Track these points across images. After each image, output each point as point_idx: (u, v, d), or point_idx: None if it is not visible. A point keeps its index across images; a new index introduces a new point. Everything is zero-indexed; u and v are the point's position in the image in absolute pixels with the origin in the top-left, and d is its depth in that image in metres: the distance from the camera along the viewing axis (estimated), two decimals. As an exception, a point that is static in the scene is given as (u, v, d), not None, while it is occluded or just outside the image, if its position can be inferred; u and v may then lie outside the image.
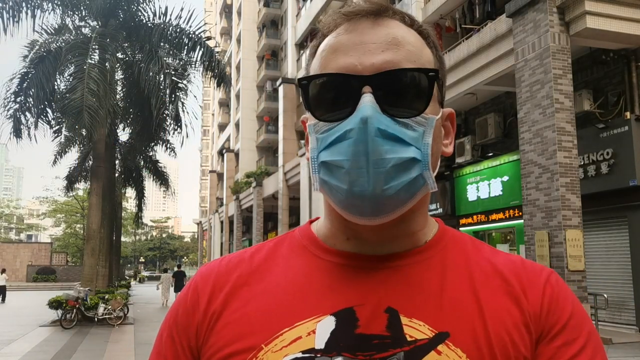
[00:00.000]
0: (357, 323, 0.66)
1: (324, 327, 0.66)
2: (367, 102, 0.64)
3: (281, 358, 0.65)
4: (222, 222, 47.59)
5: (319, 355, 0.65)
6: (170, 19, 17.73)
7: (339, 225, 0.73)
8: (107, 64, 16.40)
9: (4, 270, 27.61)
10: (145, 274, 68.32)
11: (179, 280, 23.36)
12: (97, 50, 16.57)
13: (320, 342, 0.65)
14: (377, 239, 0.71)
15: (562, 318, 0.70)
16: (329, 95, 0.67)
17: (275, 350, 0.66)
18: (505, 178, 14.41)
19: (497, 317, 0.68)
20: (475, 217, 15.83)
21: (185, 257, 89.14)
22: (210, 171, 61.45)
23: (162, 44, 17.80)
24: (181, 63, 18.90)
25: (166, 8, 17.67)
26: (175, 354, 0.74)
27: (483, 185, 15.31)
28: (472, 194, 15.83)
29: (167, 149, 23.94)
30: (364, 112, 0.63)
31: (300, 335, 0.66)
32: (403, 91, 0.66)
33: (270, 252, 0.78)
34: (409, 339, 0.65)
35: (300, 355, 0.65)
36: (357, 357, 0.64)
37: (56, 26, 17.59)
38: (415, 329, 0.66)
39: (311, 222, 0.81)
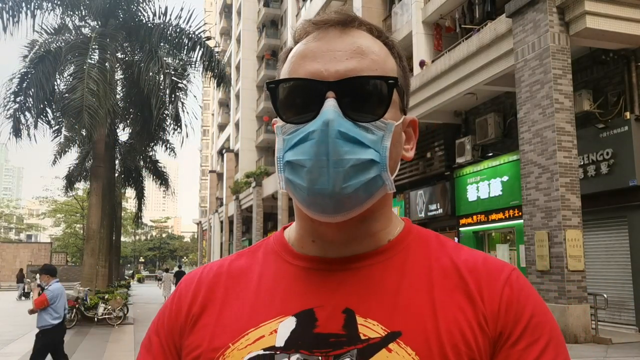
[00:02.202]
0: (316, 323, 0.71)
1: (285, 327, 0.71)
2: (330, 106, 0.68)
3: (245, 355, 0.71)
4: (222, 222, 47.59)
5: (278, 353, 0.70)
6: (170, 19, 17.73)
7: (306, 226, 0.77)
8: (107, 64, 16.40)
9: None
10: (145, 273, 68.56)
11: (179, 279, 24.61)
12: (97, 50, 16.56)
13: (280, 341, 0.70)
14: (340, 239, 0.75)
15: (523, 318, 0.71)
16: (296, 99, 0.71)
17: (241, 348, 0.71)
18: (505, 178, 14.40)
19: (450, 315, 0.70)
20: (475, 217, 15.82)
21: (185, 257, 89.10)
22: (210, 171, 61.45)
23: (162, 44, 17.79)
24: (181, 63, 18.89)
25: (166, 8, 17.68)
26: (163, 352, 0.79)
27: (483, 186, 15.31)
28: (472, 194, 15.82)
29: (167, 149, 23.94)
30: (326, 116, 0.67)
31: (263, 335, 0.71)
32: (364, 97, 0.70)
33: (248, 259, 0.83)
34: (362, 337, 0.69)
35: (261, 352, 0.70)
36: (314, 354, 0.69)
37: (56, 26, 17.58)
38: (369, 328, 0.69)
39: (284, 228, 0.86)
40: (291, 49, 0.77)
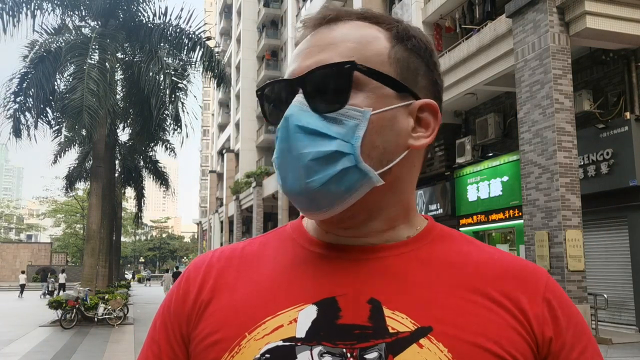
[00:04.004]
0: (339, 313, 0.67)
1: (306, 316, 0.67)
2: (294, 101, 0.68)
3: (263, 346, 0.66)
4: (222, 222, 47.57)
5: (299, 344, 0.65)
6: (170, 19, 17.73)
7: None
8: (107, 64, 16.40)
9: (63, 270, 32.86)
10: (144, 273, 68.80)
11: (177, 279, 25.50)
12: (97, 51, 16.57)
13: (301, 331, 0.66)
14: (347, 236, 0.73)
15: (570, 325, 0.70)
16: (276, 101, 0.72)
17: (258, 339, 0.66)
18: (505, 178, 14.40)
19: (483, 314, 0.67)
20: (475, 217, 15.82)
21: (185, 257, 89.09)
22: (210, 171, 61.45)
23: (162, 44, 17.79)
24: (181, 63, 18.91)
25: (166, 8, 17.69)
26: (168, 341, 0.75)
27: (483, 186, 15.31)
28: (472, 194, 15.83)
29: (167, 149, 23.97)
30: (287, 112, 0.67)
31: (282, 324, 0.67)
32: (324, 87, 0.68)
33: (262, 244, 0.80)
34: (391, 330, 0.65)
35: (281, 343, 0.65)
36: (338, 346, 0.65)
37: (56, 26, 17.58)
38: (398, 322, 0.65)
39: (302, 216, 0.83)
40: None
